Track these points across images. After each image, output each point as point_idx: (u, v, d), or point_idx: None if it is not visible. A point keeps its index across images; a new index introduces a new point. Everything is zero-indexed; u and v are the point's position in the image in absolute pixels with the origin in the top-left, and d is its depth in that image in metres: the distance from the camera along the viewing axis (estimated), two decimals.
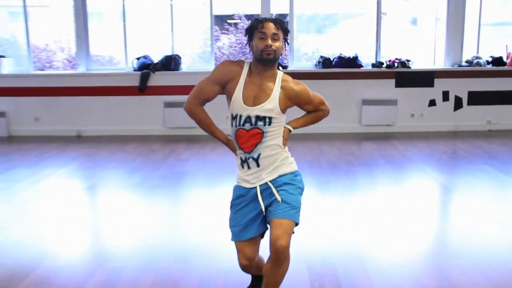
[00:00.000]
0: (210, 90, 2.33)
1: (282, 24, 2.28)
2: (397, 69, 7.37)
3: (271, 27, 2.24)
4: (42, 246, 3.50)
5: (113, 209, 4.30)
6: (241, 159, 2.36)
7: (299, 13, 7.98)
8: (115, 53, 8.60)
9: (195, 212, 4.20)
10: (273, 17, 2.41)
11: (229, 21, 9.76)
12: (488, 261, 3.09)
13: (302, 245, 3.28)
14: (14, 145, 7.10)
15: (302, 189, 2.35)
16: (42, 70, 8.82)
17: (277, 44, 2.24)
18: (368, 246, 3.37)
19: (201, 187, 4.94)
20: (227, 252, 3.02)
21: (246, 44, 2.36)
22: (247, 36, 2.33)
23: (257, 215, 2.31)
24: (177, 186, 4.92)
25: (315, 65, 7.53)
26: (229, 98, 2.30)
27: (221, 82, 2.31)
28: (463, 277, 2.85)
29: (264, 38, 2.23)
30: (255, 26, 2.27)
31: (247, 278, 2.68)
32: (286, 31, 2.29)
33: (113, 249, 3.50)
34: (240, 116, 2.28)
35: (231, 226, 2.38)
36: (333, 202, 4.40)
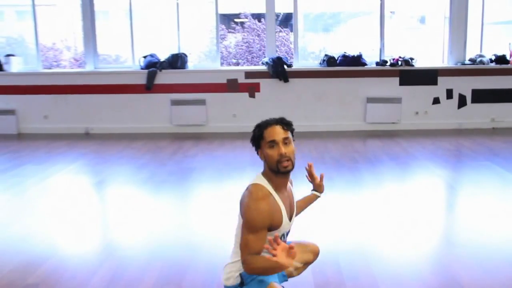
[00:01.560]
0: (259, 239, 2.01)
1: (287, 123, 2.12)
2: (401, 67, 7.43)
3: (279, 133, 2.07)
4: (51, 241, 3.57)
5: (121, 204, 4.39)
6: None
7: (306, 12, 8.05)
8: (122, 51, 8.70)
9: (202, 207, 4.28)
10: (275, 118, 2.15)
11: (235, 20, 9.84)
12: (493, 259, 3.10)
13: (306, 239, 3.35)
14: (24, 142, 7.20)
15: None
16: (50, 68, 8.92)
17: (290, 148, 2.07)
18: (371, 243, 3.41)
19: (208, 182, 5.01)
20: (232, 242, 3.09)
21: (256, 152, 2.17)
22: (253, 145, 2.16)
23: None
24: (185, 182, 5.00)
25: (320, 63, 7.60)
26: (274, 227, 2.09)
27: (267, 225, 2.04)
28: (468, 276, 2.87)
29: (275, 146, 2.06)
30: (260, 136, 2.10)
31: None
32: (292, 129, 2.13)
33: (121, 242, 3.58)
34: (283, 235, 2.17)
35: None
36: (337, 198, 4.46)
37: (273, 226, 2.07)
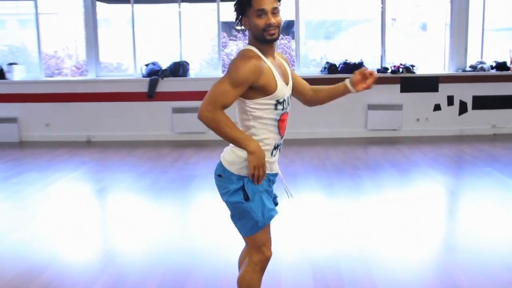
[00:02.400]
0: (233, 95, 1.98)
1: None
2: (402, 75, 7.46)
3: (269, 1, 1.96)
4: (53, 248, 3.58)
5: (123, 211, 4.40)
6: (274, 146, 2.13)
7: (308, 20, 8.09)
8: (123, 59, 8.74)
9: (203, 214, 4.29)
10: None
11: (237, 27, 9.89)
12: (494, 265, 3.10)
13: (306, 247, 3.36)
14: (26, 150, 7.22)
15: None
16: (52, 76, 8.96)
17: (278, 18, 1.99)
18: (372, 249, 3.41)
19: (209, 189, 5.00)
20: (233, 249, 3.11)
21: (236, 22, 2.05)
22: (236, 12, 2.04)
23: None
24: (186, 189, 5.02)
25: (321, 71, 7.63)
26: (269, 89, 2.03)
27: (249, 82, 1.98)
28: (469, 281, 2.87)
29: (263, 15, 1.96)
30: (248, 2, 1.97)
31: None
32: None
33: (123, 249, 3.59)
34: (284, 100, 2.09)
35: (269, 211, 2.09)
36: (337, 204, 4.47)
37: (267, 88, 2.02)
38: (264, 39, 2.01)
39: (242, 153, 2.04)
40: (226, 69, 2.08)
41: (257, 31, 2.00)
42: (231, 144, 2.12)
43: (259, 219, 2.07)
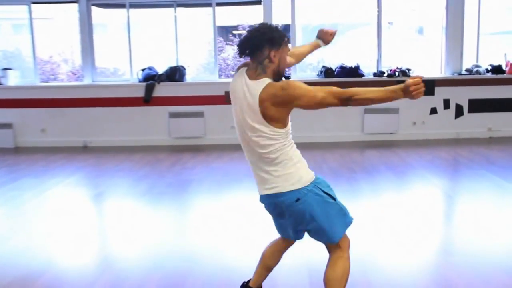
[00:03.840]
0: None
1: None
2: (398, 78, 7.47)
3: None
4: (50, 254, 3.57)
5: (120, 216, 4.39)
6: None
7: (304, 24, 8.10)
8: (119, 64, 8.73)
9: (201, 218, 4.27)
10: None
11: (233, 32, 9.89)
12: (490, 268, 3.10)
13: (303, 250, 3.34)
14: (21, 156, 7.19)
15: None
16: (47, 82, 8.94)
17: None
18: (369, 252, 3.40)
19: (206, 193, 5.01)
20: (230, 253, 3.10)
21: (257, 51, 2.13)
22: (268, 43, 2.14)
23: None
24: (183, 193, 5.00)
25: (318, 75, 7.65)
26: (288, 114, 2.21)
27: None
28: (464, 284, 2.88)
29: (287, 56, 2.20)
30: (284, 40, 2.18)
31: (246, 273, 2.76)
32: None
33: (120, 254, 3.58)
34: None
35: (348, 212, 2.47)
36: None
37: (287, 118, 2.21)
38: (282, 75, 2.19)
39: (296, 167, 2.22)
40: (285, 99, 2.11)
41: (283, 67, 2.17)
42: (280, 166, 2.19)
43: (347, 211, 2.43)
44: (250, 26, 2.35)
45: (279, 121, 2.13)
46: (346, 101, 2.17)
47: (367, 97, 2.17)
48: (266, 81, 2.13)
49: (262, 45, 2.12)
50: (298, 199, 2.20)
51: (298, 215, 2.24)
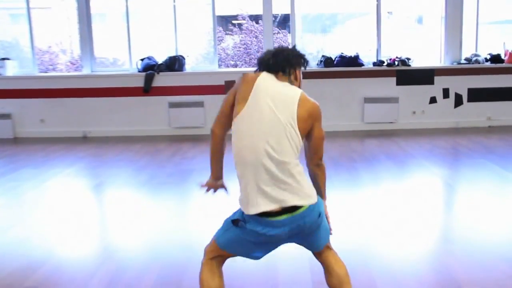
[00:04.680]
0: None
1: None
2: (398, 67, 7.47)
3: None
4: (49, 244, 3.56)
5: (120, 206, 4.39)
6: None
7: (304, 13, 8.07)
8: (119, 54, 8.69)
9: (201, 208, 4.28)
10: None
11: (233, 21, 9.85)
12: (490, 256, 3.12)
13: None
14: (20, 146, 7.19)
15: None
16: (46, 72, 8.91)
17: None
18: (369, 241, 3.42)
19: None
20: None
21: (288, 70, 2.21)
22: (295, 62, 2.22)
23: None
24: (183, 183, 5.01)
25: (317, 64, 7.63)
26: None
27: None
28: (465, 272, 2.89)
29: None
30: (308, 61, 2.31)
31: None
32: None
33: (120, 244, 3.58)
34: None
35: None
36: (335, 197, 4.47)
37: None
38: None
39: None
40: (314, 115, 2.19)
41: (300, 85, 2.26)
42: (300, 180, 2.07)
43: None
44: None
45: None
46: (319, 160, 2.31)
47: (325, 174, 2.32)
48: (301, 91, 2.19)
49: (293, 63, 2.21)
50: (320, 214, 2.10)
51: (316, 233, 2.14)
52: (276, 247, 2.18)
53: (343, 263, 2.26)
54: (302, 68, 2.29)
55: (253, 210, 2.01)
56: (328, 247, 2.25)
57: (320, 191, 2.25)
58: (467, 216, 3.92)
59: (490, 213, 3.91)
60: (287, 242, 2.16)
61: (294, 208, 2.02)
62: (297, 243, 2.21)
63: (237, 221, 2.09)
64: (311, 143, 2.20)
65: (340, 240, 3.42)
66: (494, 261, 3.04)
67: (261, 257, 2.20)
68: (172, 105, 7.48)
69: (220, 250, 2.19)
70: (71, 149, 6.80)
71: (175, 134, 7.54)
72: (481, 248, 3.25)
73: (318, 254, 2.26)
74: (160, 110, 7.54)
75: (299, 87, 2.25)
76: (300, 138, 2.10)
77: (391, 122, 7.53)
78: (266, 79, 2.12)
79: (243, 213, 2.09)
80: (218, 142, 2.28)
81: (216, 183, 2.40)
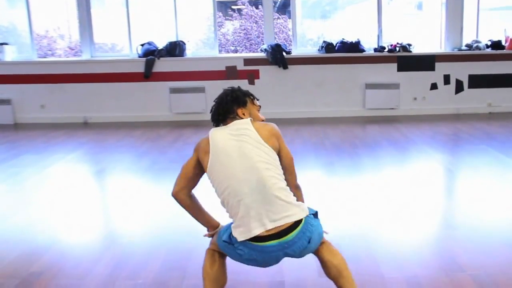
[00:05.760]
0: None
1: None
2: (399, 54, 7.45)
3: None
4: (53, 230, 3.57)
5: (123, 192, 4.40)
6: None
7: None
8: (118, 40, 8.64)
9: (203, 194, 4.29)
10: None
11: (233, 7, 9.78)
12: (491, 240, 3.14)
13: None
14: (21, 132, 7.17)
15: None
16: (45, 57, 8.85)
17: None
18: (372, 226, 3.43)
19: None
20: None
21: (234, 112, 2.35)
22: (237, 103, 2.37)
23: None
24: None
25: (318, 50, 7.60)
26: None
27: None
28: (467, 257, 2.90)
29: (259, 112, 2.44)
30: (249, 97, 2.45)
31: None
32: None
33: (124, 230, 3.59)
34: None
35: None
36: (337, 183, 4.49)
37: None
38: None
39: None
40: (275, 137, 2.27)
41: (257, 115, 2.43)
42: (289, 197, 2.14)
43: None
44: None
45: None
46: (295, 181, 2.36)
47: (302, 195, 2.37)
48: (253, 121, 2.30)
49: (231, 107, 2.34)
50: (310, 240, 2.10)
51: (306, 252, 2.17)
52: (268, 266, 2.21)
53: (337, 252, 2.25)
54: (254, 100, 2.44)
55: (244, 236, 2.08)
56: (321, 242, 2.24)
57: None
58: (469, 201, 3.94)
59: (492, 199, 3.93)
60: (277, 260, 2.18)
61: (286, 232, 2.06)
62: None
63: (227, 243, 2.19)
64: (283, 165, 2.24)
65: (343, 225, 3.47)
66: (496, 246, 3.07)
67: None
68: (173, 90, 7.46)
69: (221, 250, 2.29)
70: (72, 135, 6.80)
71: (176, 120, 7.53)
72: (483, 233, 3.27)
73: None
74: (161, 95, 7.52)
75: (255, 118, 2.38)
76: (274, 152, 2.20)
77: (392, 108, 7.53)
78: (217, 130, 2.28)
79: (230, 234, 2.16)
80: (189, 204, 2.40)
81: (217, 229, 2.43)
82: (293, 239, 2.06)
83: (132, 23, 7.73)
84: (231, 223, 2.19)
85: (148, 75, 7.44)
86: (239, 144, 2.17)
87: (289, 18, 8.08)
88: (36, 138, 6.63)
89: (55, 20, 9.88)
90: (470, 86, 7.57)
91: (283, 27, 9.48)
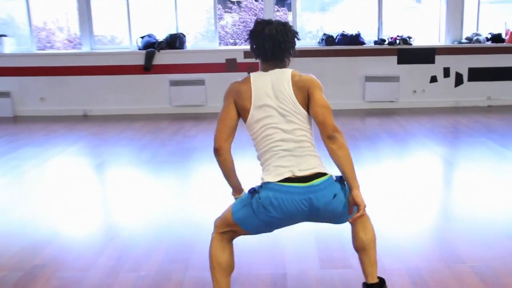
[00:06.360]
0: None
1: None
2: (399, 46, 7.44)
3: None
4: (56, 222, 3.58)
5: (124, 185, 4.41)
6: None
7: None
8: (117, 32, 8.60)
9: (204, 186, 4.31)
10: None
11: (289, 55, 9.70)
12: (491, 232, 3.16)
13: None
14: (20, 125, 7.17)
15: None
16: (43, 50, 8.81)
17: None
18: (373, 218, 3.44)
19: (209, 162, 4.96)
20: None
21: (292, 50, 2.26)
22: (294, 42, 2.26)
23: None
24: (186, 161, 5.03)
25: (319, 42, 7.59)
26: None
27: None
28: (467, 249, 2.93)
29: None
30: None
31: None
32: None
33: (126, 222, 3.60)
34: None
35: None
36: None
37: None
38: None
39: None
40: (310, 83, 2.21)
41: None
42: (313, 152, 2.13)
43: None
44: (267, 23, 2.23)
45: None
46: (335, 131, 2.10)
47: (346, 147, 2.13)
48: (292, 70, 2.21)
49: (294, 44, 2.25)
50: (335, 196, 2.06)
51: (333, 216, 2.13)
52: (288, 225, 2.17)
53: (371, 228, 2.28)
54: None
55: (276, 178, 2.03)
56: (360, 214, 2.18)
57: (346, 176, 2.12)
58: (469, 193, 3.96)
59: (491, 191, 3.96)
60: (299, 220, 2.14)
61: (312, 178, 2.04)
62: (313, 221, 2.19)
63: (254, 192, 2.10)
64: (315, 115, 2.12)
65: None
66: (496, 238, 3.09)
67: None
68: (173, 83, 7.45)
69: (234, 225, 2.17)
70: (72, 127, 6.79)
71: (176, 113, 7.53)
72: (483, 225, 3.30)
73: None
74: (161, 88, 7.51)
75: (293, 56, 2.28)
76: (305, 111, 2.14)
77: (392, 101, 7.54)
78: (259, 77, 2.19)
79: (259, 187, 2.11)
80: (230, 159, 2.22)
81: (241, 194, 2.34)
82: (319, 185, 2.03)
83: (132, 15, 7.70)
84: (249, 193, 2.14)
85: (148, 68, 7.43)
86: (279, 96, 2.13)
87: (289, 10, 8.05)
88: (36, 131, 6.63)
89: (53, 12, 9.81)
90: (469, 79, 7.58)
91: (283, 19, 9.46)
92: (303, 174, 2.04)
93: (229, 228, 2.20)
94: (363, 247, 2.26)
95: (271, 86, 2.15)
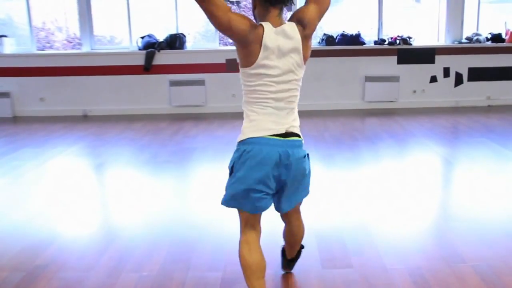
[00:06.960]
0: None
1: None
2: (399, 46, 7.45)
3: None
4: (56, 224, 3.57)
5: (124, 185, 4.41)
6: None
7: None
8: (117, 32, 8.59)
9: (205, 186, 4.31)
10: None
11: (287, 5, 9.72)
12: (491, 231, 3.18)
13: (310, 218, 3.40)
14: (20, 125, 7.16)
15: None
16: (43, 50, 8.80)
17: None
18: (373, 218, 3.46)
19: (209, 162, 5.04)
20: (236, 220, 3.14)
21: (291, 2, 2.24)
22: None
23: None
24: (186, 162, 5.03)
25: (319, 42, 7.59)
26: None
27: None
28: (468, 248, 2.94)
29: None
30: None
31: None
32: None
33: (127, 223, 3.60)
34: None
35: None
36: (337, 175, 4.52)
37: None
38: None
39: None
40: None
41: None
42: (295, 109, 2.28)
43: None
44: None
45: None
46: None
47: None
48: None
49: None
50: (305, 156, 2.23)
51: (299, 183, 2.24)
52: (271, 183, 2.15)
53: (303, 226, 2.53)
54: None
55: (263, 133, 2.13)
56: (296, 211, 2.43)
57: None
58: (469, 193, 3.97)
59: (491, 191, 3.96)
60: (275, 176, 2.14)
61: (291, 135, 2.18)
62: (277, 196, 2.23)
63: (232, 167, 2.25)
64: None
65: (344, 218, 3.49)
66: (497, 237, 3.10)
67: (267, 207, 2.21)
68: (173, 83, 7.45)
69: (241, 214, 2.25)
70: (72, 128, 6.79)
71: (176, 113, 7.52)
72: (484, 224, 3.31)
73: (285, 214, 2.39)
74: (161, 88, 7.51)
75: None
76: (304, 64, 2.30)
77: (392, 101, 7.54)
78: (271, 31, 2.12)
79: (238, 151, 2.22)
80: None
81: None
82: (295, 141, 2.17)
83: (132, 15, 7.70)
84: (233, 177, 2.24)
85: (148, 68, 7.43)
86: (284, 65, 2.18)
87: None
88: (36, 131, 6.63)
89: (52, 12, 9.81)
90: (469, 79, 7.59)
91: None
92: (282, 132, 2.16)
93: (243, 223, 2.26)
94: (294, 242, 2.55)
95: (278, 48, 2.13)
